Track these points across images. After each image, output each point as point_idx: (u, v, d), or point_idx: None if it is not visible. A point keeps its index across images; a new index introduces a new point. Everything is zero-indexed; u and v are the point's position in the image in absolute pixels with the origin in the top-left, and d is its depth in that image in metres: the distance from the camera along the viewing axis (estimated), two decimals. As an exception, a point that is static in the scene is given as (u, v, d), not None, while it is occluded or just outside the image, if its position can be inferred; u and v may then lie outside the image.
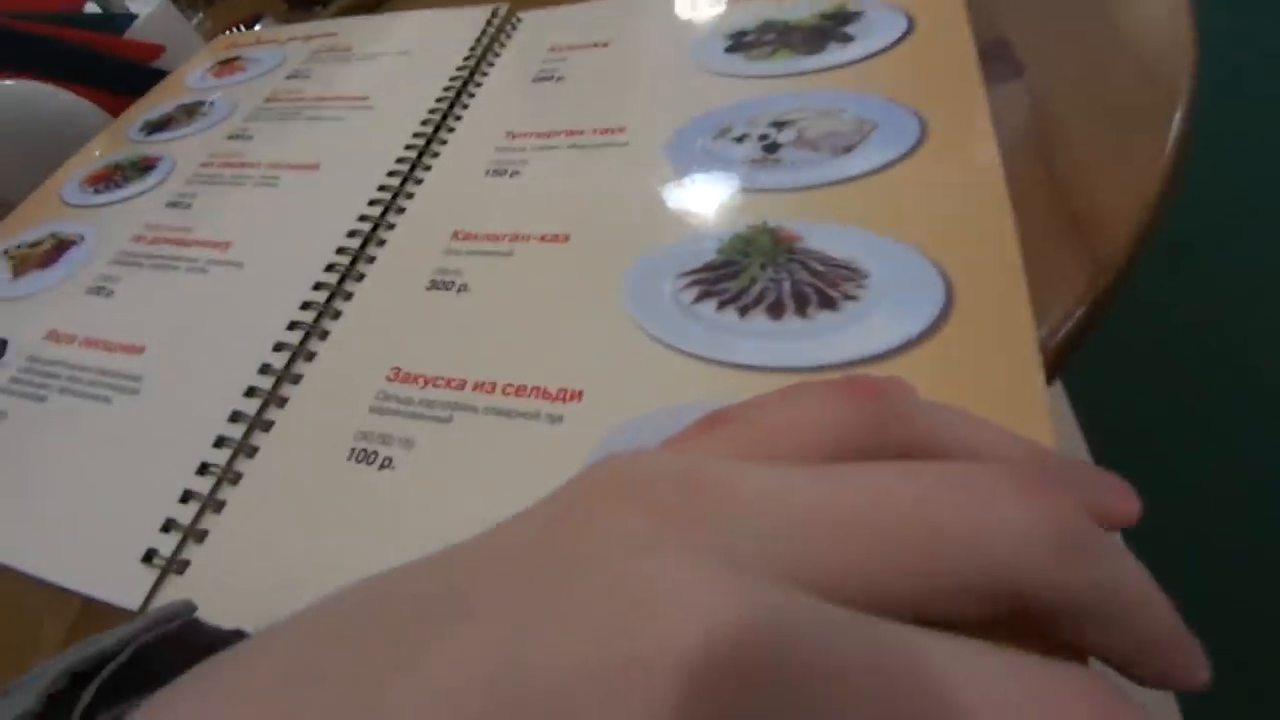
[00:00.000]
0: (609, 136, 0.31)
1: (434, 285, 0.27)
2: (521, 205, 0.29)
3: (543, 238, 0.27)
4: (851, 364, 0.20)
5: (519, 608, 0.08)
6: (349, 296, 0.27)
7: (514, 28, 0.40)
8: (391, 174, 0.31)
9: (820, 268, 0.23)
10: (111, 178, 0.38)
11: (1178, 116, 0.24)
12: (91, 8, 0.49)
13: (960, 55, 0.27)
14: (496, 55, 0.38)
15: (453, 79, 0.36)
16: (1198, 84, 0.25)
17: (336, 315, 0.27)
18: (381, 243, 0.29)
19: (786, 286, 0.23)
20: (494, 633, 0.08)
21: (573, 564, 0.09)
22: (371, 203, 0.30)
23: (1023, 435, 0.12)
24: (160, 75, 0.49)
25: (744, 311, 0.23)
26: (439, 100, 0.35)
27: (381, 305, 0.27)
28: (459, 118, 0.34)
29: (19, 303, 0.32)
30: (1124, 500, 0.11)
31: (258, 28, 0.51)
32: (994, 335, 0.20)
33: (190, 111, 0.41)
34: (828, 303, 0.22)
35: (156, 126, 0.41)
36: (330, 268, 0.28)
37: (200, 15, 0.75)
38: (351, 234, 0.29)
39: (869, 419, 0.11)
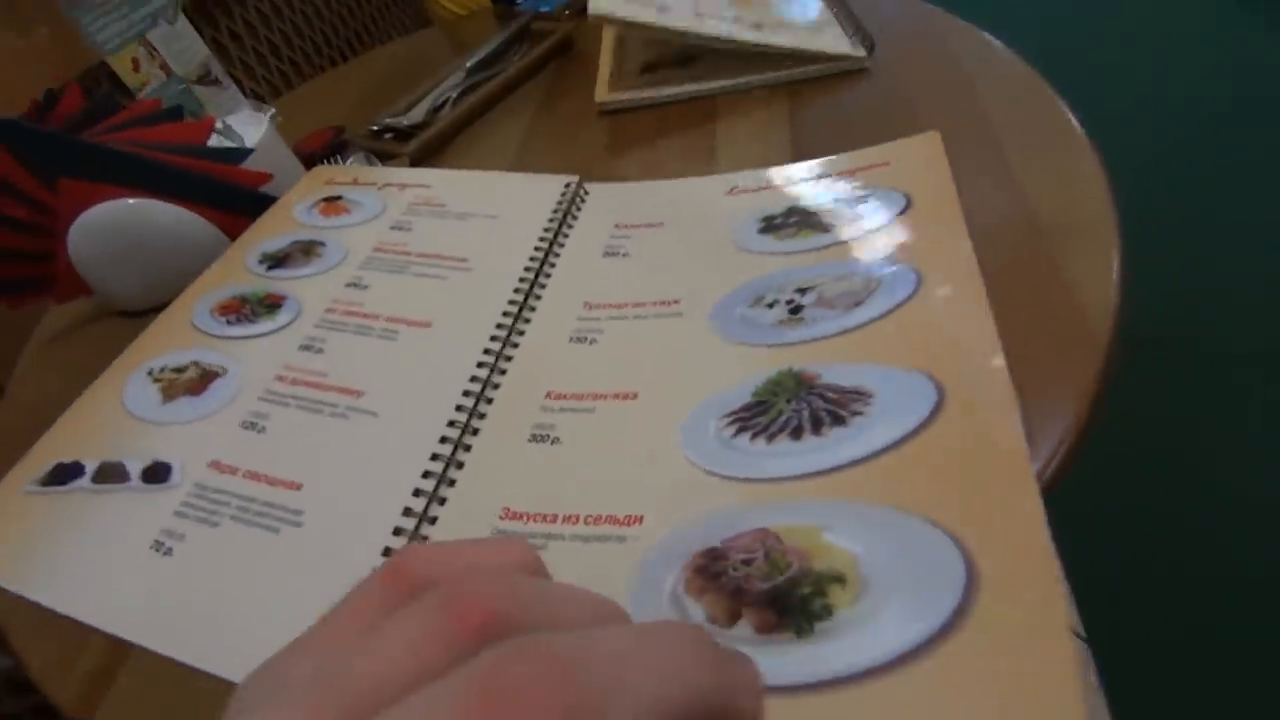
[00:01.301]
0: (667, 308, 0.39)
1: (534, 438, 0.34)
2: (600, 369, 0.37)
3: (616, 395, 0.35)
4: (856, 461, 0.28)
5: None
6: (468, 449, 0.34)
7: (583, 200, 0.48)
8: (493, 338, 0.39)
9: (834, 396, 0.31)
10: (240, 310, 0.46)
11: (1100, 359, 0.31)
12: (217, 140, 0.57)
13: (950, 221, 0.37)
14: (570, 227, 0.46)
15: (537, 248, 0.44)
16: (1118, 330, 0.32)
17: (460, 465, 0.34)
18: (490, 400, 0.36)
19: (805, 414, 0.30)
20: None
21: None
22: (479, 364, 0.38)
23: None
24: (266, 199, 0.57)
25: (771, 438, 0.30)
26: (526, 269, 0.42)
27: (492, 457, 0.34)
28: (544, 285, 0.42)
29: (173, 428, 0.39)
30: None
31: (350, 161, 0.60)
32: (982, 429, 0.27)
33: (307, 250, 0.49)
34: (839, 421, 0.29)
35: (276, 261, 0.49)
36: (451, 424, 0.35)
37: (272, 110, 0.84)
38: (466, 393, 0.36)
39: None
